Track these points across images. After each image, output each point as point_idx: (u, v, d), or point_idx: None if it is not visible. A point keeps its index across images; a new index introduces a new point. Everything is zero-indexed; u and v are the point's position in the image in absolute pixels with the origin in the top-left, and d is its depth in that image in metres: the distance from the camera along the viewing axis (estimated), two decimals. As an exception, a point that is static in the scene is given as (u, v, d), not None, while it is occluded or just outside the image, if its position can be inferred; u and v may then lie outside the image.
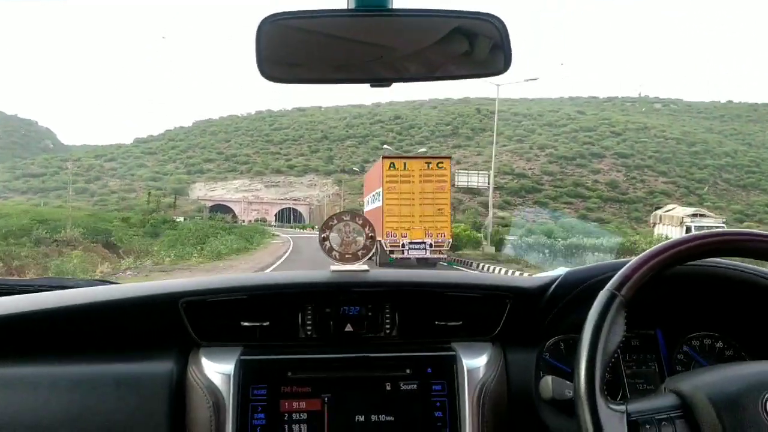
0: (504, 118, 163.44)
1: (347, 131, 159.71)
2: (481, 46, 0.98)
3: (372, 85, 1.01)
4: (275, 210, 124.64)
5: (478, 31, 0.97)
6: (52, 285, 1.46)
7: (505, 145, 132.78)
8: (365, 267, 1.23)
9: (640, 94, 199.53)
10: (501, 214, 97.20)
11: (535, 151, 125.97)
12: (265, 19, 0.93)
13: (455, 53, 0.99)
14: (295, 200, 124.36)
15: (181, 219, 63.08)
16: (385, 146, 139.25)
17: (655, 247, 0.95)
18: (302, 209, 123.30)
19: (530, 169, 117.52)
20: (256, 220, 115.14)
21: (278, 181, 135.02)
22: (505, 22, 0.97)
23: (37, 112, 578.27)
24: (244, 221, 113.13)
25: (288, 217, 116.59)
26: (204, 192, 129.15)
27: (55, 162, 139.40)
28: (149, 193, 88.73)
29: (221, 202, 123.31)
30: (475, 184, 43.84)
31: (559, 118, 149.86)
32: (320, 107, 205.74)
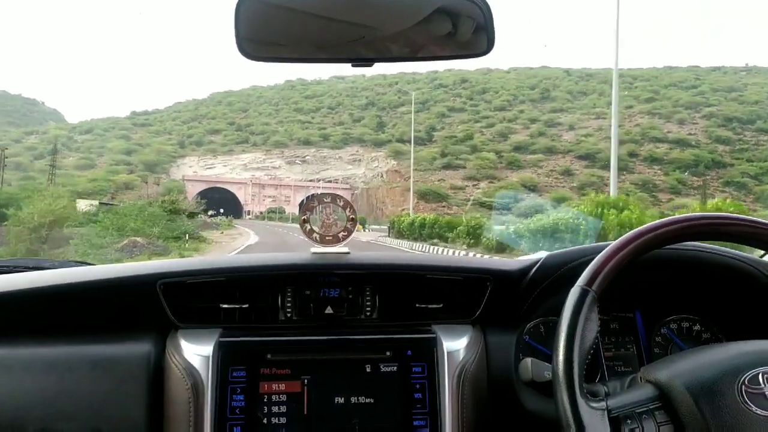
0: (610, 80, 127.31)
1: (400, 97, 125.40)
2: (465, 27, 0.97)
3: (353, 65, 1.01)
4: (300, 196, 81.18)
5: (462, 11, 0.96)
6: (29, 266, 1.44)
7: (631, 106, 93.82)
8: (346, 249, 1.23)
9: (747, 64, 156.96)
10: (683, 200, 55.75)
11: (686, 111, 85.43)
12: None
13: (438, 34, 0.97)
14: (330, 182, 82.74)
15: (92, 205, 37.18)
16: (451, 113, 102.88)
17: (626, 235, 0.94)
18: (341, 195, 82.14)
19: (691, 134, 76.72)
20: (270, 212, 76.16)
21: (306, 156, 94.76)
22: (489, 4, 0.96)
23: (46, 93, 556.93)
24: (249, 213, 76.01)
25: (318, 206, 74.79)
26: (194, 170, 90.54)
27: (16, 135, 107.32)
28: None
29: (217, 183, 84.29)
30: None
31: (682, 79, 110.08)
32: (363, 75, 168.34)
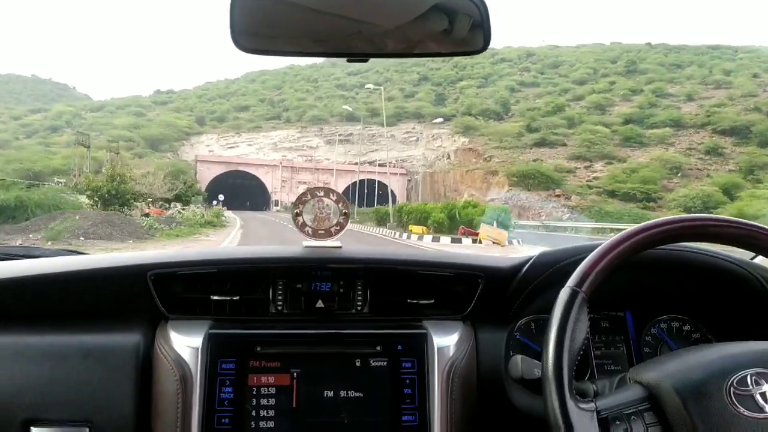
0: (699, 52, 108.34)
1: (457, 72, 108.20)
2: (461, 25, 0.96)
3: (349, 60, 1.01)
4: (343, 183, 63.59)
5: (459, 9, 0.95)
6: (18, 254, 1.43)
7: (756, 75, 74.32)
8: (338, 243, 1.23)
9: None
10: None
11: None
12: None
13: (434, 30, 0.97)
14: (381, 164, 65.51)
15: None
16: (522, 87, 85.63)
17: (616, 236, 0.94)
18: (394, 182, 63.03)
19: None
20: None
21: (349, 134, 78.07)
22: (486, 2, 0.96)
23: (78, 78, 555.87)
24: (278, 203, 60.22)
25: (365, 196, 56.11)
26: (212, 149, 74.78)
27: (18, 112, 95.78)
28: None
29: (239, 166, 68.32)
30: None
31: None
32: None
